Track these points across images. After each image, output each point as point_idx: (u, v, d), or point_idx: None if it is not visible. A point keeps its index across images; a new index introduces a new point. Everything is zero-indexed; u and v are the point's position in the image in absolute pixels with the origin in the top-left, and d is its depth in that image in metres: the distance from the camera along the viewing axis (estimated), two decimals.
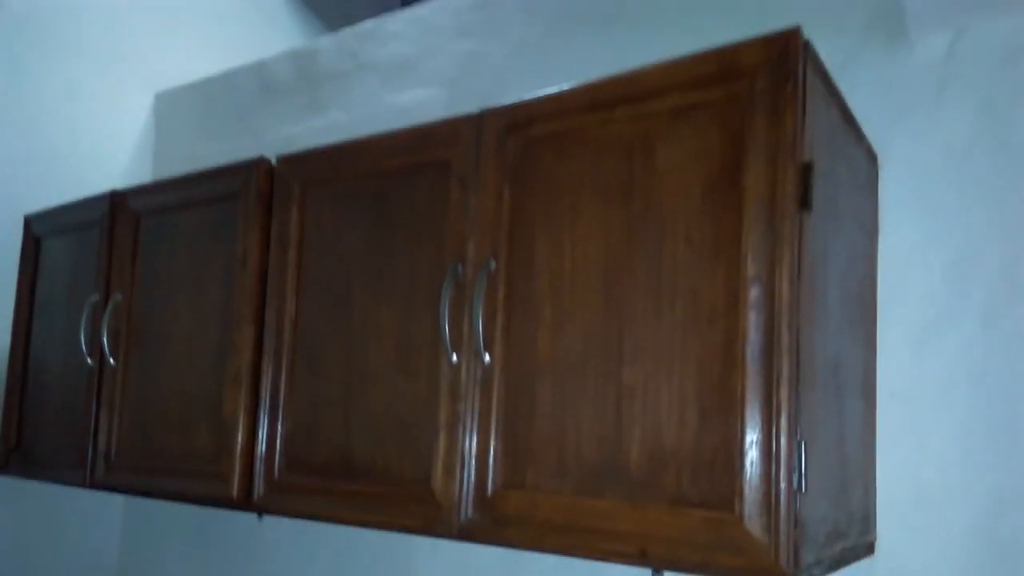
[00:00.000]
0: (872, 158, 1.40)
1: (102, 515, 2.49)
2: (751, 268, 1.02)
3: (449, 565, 1.80)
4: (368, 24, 2.27)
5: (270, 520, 2.08)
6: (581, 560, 1.13)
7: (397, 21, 2.19)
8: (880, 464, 1.36)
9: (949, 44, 1.40)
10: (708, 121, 1.09)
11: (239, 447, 1.50)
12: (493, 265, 1.25)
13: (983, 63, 1.36)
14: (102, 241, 1.87)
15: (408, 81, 2.13)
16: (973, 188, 1.35)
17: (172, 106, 2.75)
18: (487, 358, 1.22)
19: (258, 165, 1.60)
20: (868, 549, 1.32)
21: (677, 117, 1.12)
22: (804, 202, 1.01)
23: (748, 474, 0.98)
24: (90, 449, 1.79)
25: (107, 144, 2.64)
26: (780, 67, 1.03)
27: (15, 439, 2.03)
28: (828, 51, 1.45)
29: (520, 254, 1.23)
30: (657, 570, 1.49)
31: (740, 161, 1.05)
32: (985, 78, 1.36)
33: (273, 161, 1.60)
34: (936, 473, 1.31)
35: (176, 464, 1.62)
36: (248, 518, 2.08)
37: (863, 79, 1.45)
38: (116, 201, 1.88)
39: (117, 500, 2.51)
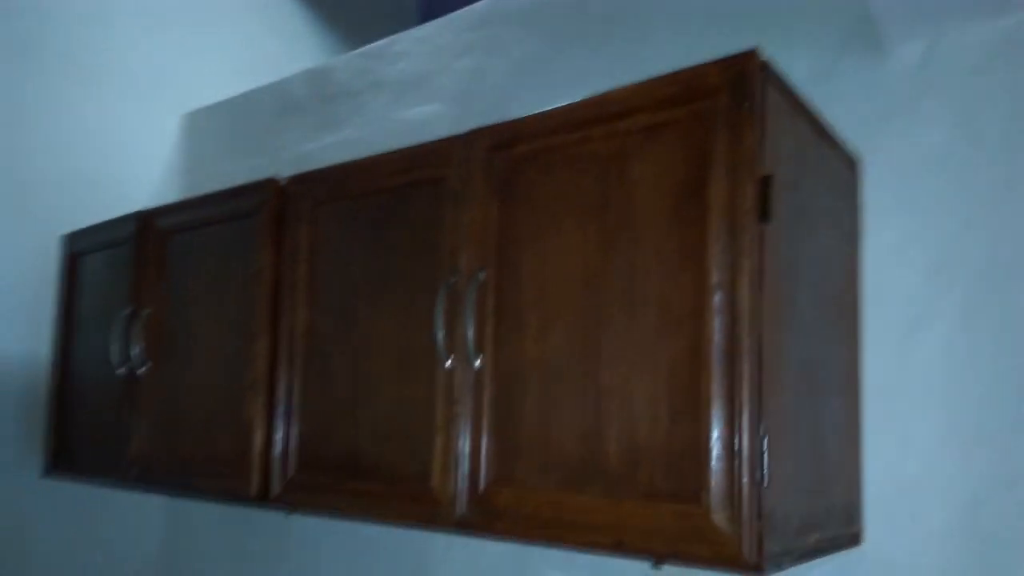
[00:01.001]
0: (852, 164, 1.45)
1: (145, 514, 2.63)
2: (714, 276, 1.09)
3: (463, 561, 1.89)
4: (379, 44, 2.37)
5: (298, 519, 2.19)
6: (583, 553, 1.21)
7: (406, 40, 2.29)
8: (866, 458, 1.41)
9: (923, 52, 1.45)
10: (675, 139, 1.16)
11: (257, 448, 1.61)
12: (483, 276, 1.33)
13: (957, 69, 1.41)
14: (132, 258, 2.00)
15: (417, 98, 2.23)
16: (951, 188, 1.40)
17: (199, 127, 2.88)
18: (478, 363, 1.31)
19: (270, 185, 1.70)
20: (853, 540, 1.37)
21: (647, 135, 1.19)
22: (764, 214, 1.08)
23: (713, 469, 1.05)
24: (124, 452, 1.91)
25: (139, 165, 2.78)
26: (738, 87, 1.10)
27: (59, 444, 2.17)
28: (809, 62, 1.53)
29: (507, 265, 1.32)
30: (657, 564, 1.57)
31: (704, 176, 1.12)
32: (959, 83, 1.41)
33: (283, 181, 1.70)
34: (919, 466, 1.37)
35: (201, 465, 1.73)
36: (277, 517, 2.19)
37: (843, 88, 1.51)
38: (144, 220, 2.00)
39: (159, 500, 2.64)
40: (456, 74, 2.15)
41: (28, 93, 2.50)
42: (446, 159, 1.43)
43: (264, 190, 1.71)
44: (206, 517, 2.49)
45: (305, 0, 3.41)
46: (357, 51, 2.44)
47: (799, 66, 1.55)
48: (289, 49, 3.30)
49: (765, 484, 1.04)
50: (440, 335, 1.34)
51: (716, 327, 1.08)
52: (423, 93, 2.21)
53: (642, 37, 1.80)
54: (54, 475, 2.17)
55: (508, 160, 1.35)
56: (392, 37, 2.34)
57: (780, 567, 1.10)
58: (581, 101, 1.27)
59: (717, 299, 1.08)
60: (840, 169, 1.41)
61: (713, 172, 1.11)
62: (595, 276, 1.21)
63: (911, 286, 1.41)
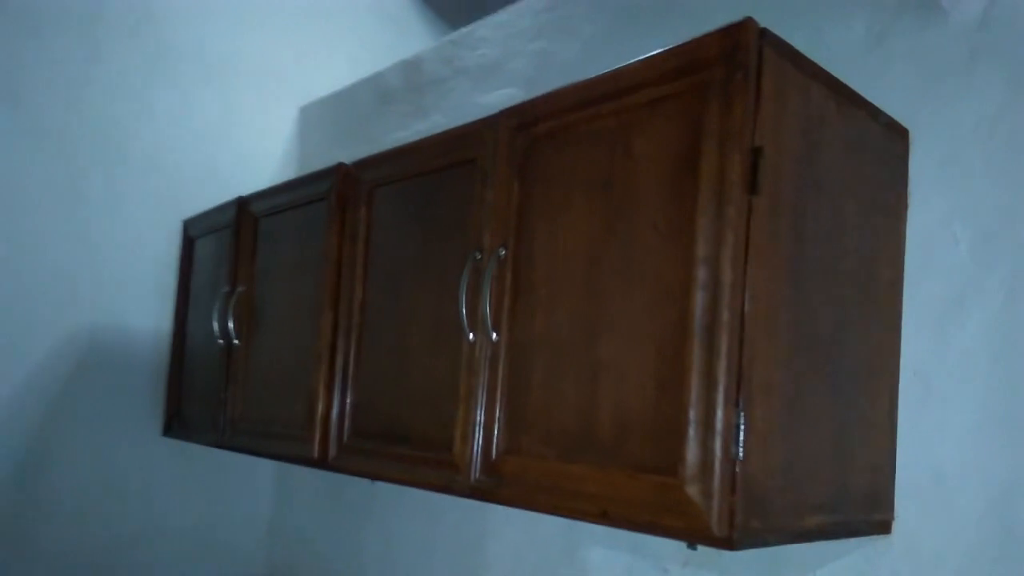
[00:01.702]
0: (897, 132, 1.37)
1: (258, 475, 2.88)
2: (701, 250, 1.08)
3: (518, 534, 1.95)
4: (463, 31, 2.45)
5: (381, 486, 2.33)
6: (607, 527, 1.22)
7: (485, 26, 2.35)
8: (901, 444, 1.34)
9: (983, 11, 1.34)
10: (675, 112, 1.16)
11: (319, 415, 1.74)
12: (503, 252, 1.37)
13: (1015, 30, 1.30)
14: (231, 240, 2.19)
15: (494, 82, 2.29)
16: (1001, 158, 1.29)
17: (313, 118, 3.08)
18: (495, 336, 1.36)
19: (338, 170, 1.82)
20: (881, 527, 1.31)
21: (652, 110, 1.19)
22: (752, 186, 1.06)
23: (689, 442, 1.05)
24: (221, 416, 2.12)
25: (258, 155, 3.02)
26: (732, 58, 1.08)
27: (174, 407, 2.42)
28: (866, 23, 1.45)
29: (524, 242, 1.35)
30: (691, 544, 1.57)
31: (698, 149, 1.11)
32: (1016, 45, 1.30)
33: (349, 165, 1.81)
34: (954, 453, 1.28)
35: (276, 429, 1.89)
36: (364, 483, 2.34)
37: (898, 50, 1.43)
38: (241, 205, 2.19)
39: (268, 463, 2.88)
40: (529, 57, 2.19)
41: (160, 93, 2.78)
42: (479, 140, 1.48)
43: (333, 175, 1.84)
44: (307, 480, 2.69)
45: None
46: (444, 39, 2.53)
47: (856, 28, 1.49)
48: (401, 35, 3.42)
49: (740, 459, 1.02)
50: (464, 310, 1.40)
51: (699, 301, 1.07)
52: (501, 77, 2.27)
53: (709, 10, 1.76)
54: (169, 435, 2.43)
55: (528, 139, 1.38)
56: (474, 24, 2.41)
57: (763, 543, 1.08)
58: (593, 78, 1.29)
59: (702, 273, 1.07)
60: (880, 139, 1.34)
61: (705, 144, 1.10)
62: (598, 251, 1.23)
63: (955, 263, 1.32)
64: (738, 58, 1.08)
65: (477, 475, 1.35)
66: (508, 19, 2.29)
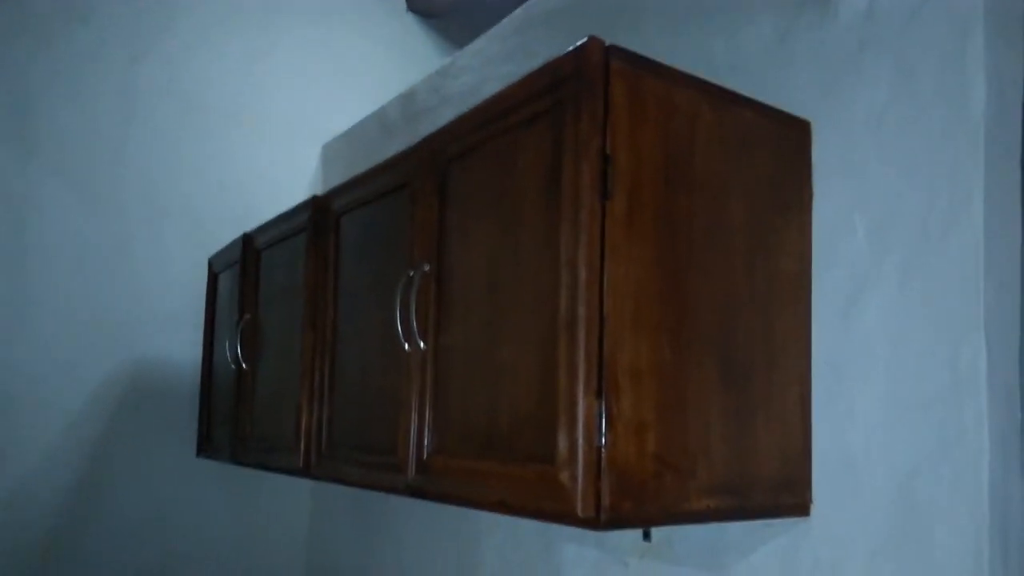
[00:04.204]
0: (796, 126, 1.42)
1: (294, 494, 3.07)
2: (564, 254, 1.17)
3: (505, 533, 2.04)
4: (447, 61, 2.59)
5: (410, 503, 2.46)
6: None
7: (464, 55, 2.49)
8: (817, 429, 1.38)
9: (868, 3, 1.38)
10: (544, 128, 1.25)
11: (303, 428, 1.89)
12: (426, 268, 1.49)
13: (895, 18, 1.33)
14: (239, 273, 2.38)
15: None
16: (891, 146, 1.32)
17: (334, 153, 3.28)
18: (422, 346, 1.47)
19: (313, 202, 1.98)
20: (797, 510, 1.35)
21: (528, 127, 1.29)
22: (604, 191, 1.14)
23: (560, 432, 1.13)
24: (235, 435, 2.30)
25: (285, 193, 3.22)
26: (581, 75, 1.17)
27: (205, 429, 2.63)
28: (772, 24, 1.51)
29: (445, 257, 1.47)
30: (646, 535, 1.64)
31: (560, 160, 1.20)
32: (897, 34, 1.33)
33: (321, 196, 1.97)
34: (863, 436, 1.31)
35: (275, 443, 2.05)
36: (400, 500, 2.47)
37: (799, 46, 1.48)
38: (247, 241, 2.38)
39: (305, 482, 3.07)
40: (500, 80, 2.30)
41: (191, 144, 3.05)
42: (410, 165, 1.61)
43: (309, 207, 2.00)
44: (341, 492, 2.85)
45: (423, 17, 3.69)
46: (433, 71, 2.68)
47: (764, 28, 1.55)
48: (414, 65, 3.56)
49: (604, 445, 1.10)
50: (399, 322, 1.52)
51: (563, 300, 1.15)
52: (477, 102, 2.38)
53: (667, 27, 1.82)
54: (201, 455, 2.64)
55: (444, 161, 1.50)
56: (456, 53, 2.55)
57: (641, 524, 1.16)
58: (486, 99, 1.39)
59: (565, 274, 1.16)
60: (773, 135, 1.39)
61: (566, 156, 1.19)
62: (497, 262, 1.33)
63: (855, 252, 1.35)
64: (586, 74, 1.16)
65: (413, 475, 1.46)
66: (482, 46, 2.41)
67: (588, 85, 1.16)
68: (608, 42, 1.18)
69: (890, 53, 1.34)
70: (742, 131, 1.34)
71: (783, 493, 1.33)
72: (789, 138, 1.41)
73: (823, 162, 1.42)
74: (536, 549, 1.95)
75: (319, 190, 3.24)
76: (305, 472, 1.87)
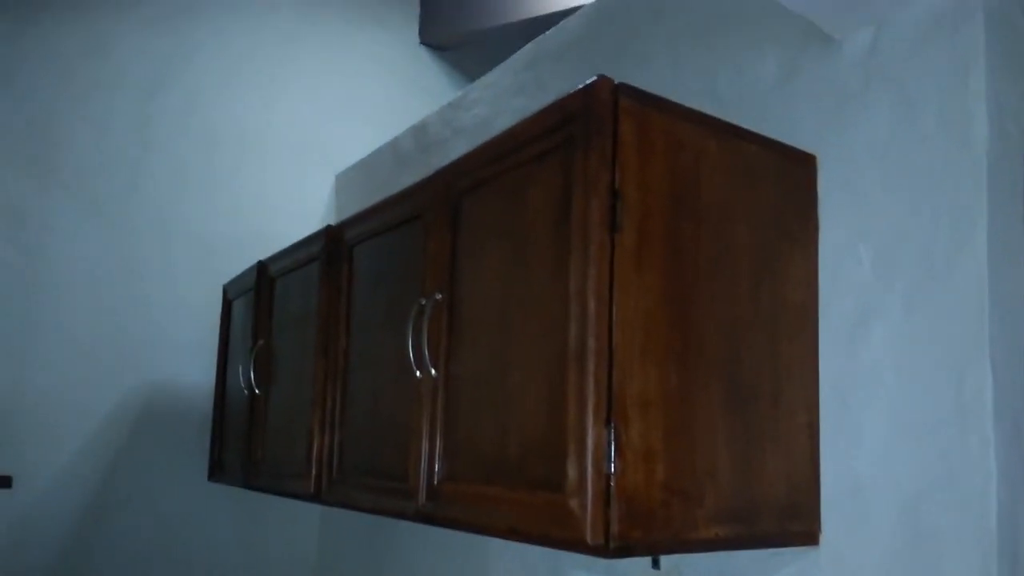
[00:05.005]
0: (802, 159, 1.45)
1: (305, 520, 3.08)
2: (573, 286, 1.20)
3: (514, 559, 2.05)
4: (459, 94, 2.64)
5: (419, 529, 2.47)
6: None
7: (476, 88, 2.54)
8: (824, 456, 1.39)
9: (872, 38, 1.42)
10: (556, 163, 1.29)
11: (315, 454, 1.91)
12: (439, 297, 1.52)
13: (899, 52, 1.37)
14: (254, 299, 2.42)
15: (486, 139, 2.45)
16: (894, 177, 1.35)
17: (347, 183, 3.33)
18: (434, 373, 1.50)
19: (327, 232, 2.02)
20: (806, 538, 1.36)
21: (540, 162, 1.33)
22: (612, 225, 1.17)
23: (570, 460, 1.15)
24: (247, 460, 2.32)
25: (298, 221, 3.27)
26: (590, 113, 1.21)
27: (217, 454, 2.65)
28: (777, 60, 1.55)
29: (457, 287, 1.50)
30: (655, 563, 1.65)
31: (570, 195, 1.23)
32: (900, 68, 1.36)
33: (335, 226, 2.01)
34: (869, 463, 1.33)
35: (287, 468, 2.07)
36: (412, 526, 2.48)
37: (805, 81, 1.51)
38: (261, 268, 2.42)
39: (316, 508, 3.08)
40: (512, 114, 2.34)
41: (205, 172, 3.11)
42: (428, 196, 1.65)
43: (323, 236, 2.04)
44: (350, 517, 2.86)
45: (436, 50, 3.76)
46: (446, 103, 2.73)
47: (769, 63, 1.58)
48: (427, 96, 3.61)
49: (613, 474, 1.12)
50: (411, 350, 1.55)
51: (573, 331, 1.18)
52: (489, 134, 2.43)
53: (674, 61, 1.85)
54: (212, 479, 2.66)
55: (457, 194, 1.53)
56: (468, 86, 2.60)
57: (650, 552, 1.17)
58: (499, 134, 1.43)
59: (574, 306, 1.19)
60: (778, 167, 1.42)
61: (576, 191, 1.22)
62: (507, 293, 1.36)
63: (860, 282, 1.37)
64: (595, 112, 1.20)
65: (423, 501, 1.48)
66: (495, 79, 2.47)
67: (597, 122, 1.19)
68: (616, 80, 1.22)
69: (894, 87, 1.37)
70: (747, 165, 1.37)
71: (791, 520, 1.34)
72: (794, 171, 1.44)
73: (828, 193, 1.45)
74: (543, 573, 1.95)
75: (332, 219, 3.30)
76: (316, 497, 1.90)
